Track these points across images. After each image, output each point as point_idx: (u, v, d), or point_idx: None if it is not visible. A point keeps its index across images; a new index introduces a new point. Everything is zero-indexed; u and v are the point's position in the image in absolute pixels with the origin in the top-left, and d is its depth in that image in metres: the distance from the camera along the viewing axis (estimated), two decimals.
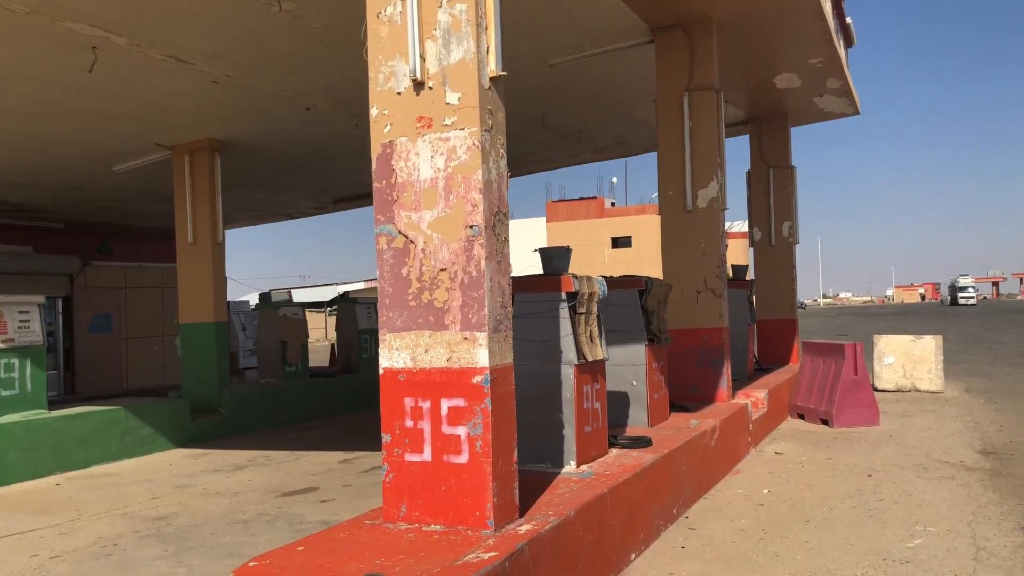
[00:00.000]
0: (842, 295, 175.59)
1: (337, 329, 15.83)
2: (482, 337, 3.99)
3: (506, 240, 4.22)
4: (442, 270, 4.07)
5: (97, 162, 12.38)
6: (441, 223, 4.07)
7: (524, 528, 4.05)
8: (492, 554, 3.64)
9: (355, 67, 8.84)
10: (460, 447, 4.04)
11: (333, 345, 17.32)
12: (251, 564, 3.65)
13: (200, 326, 11.68)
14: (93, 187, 14.33)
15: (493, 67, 4.08)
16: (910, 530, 5.58)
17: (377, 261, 4.25)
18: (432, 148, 4.09)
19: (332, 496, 7.46)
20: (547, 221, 59.31)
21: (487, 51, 4.07)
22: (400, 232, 4.17)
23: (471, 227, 4.01)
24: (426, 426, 4.11)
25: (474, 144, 4.01)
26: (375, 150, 4.24)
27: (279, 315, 13.32)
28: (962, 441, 8.76)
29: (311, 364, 14.75)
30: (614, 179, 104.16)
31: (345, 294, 18.91)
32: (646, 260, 50.69)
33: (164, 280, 19.62)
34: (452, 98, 4.04)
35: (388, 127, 4.20)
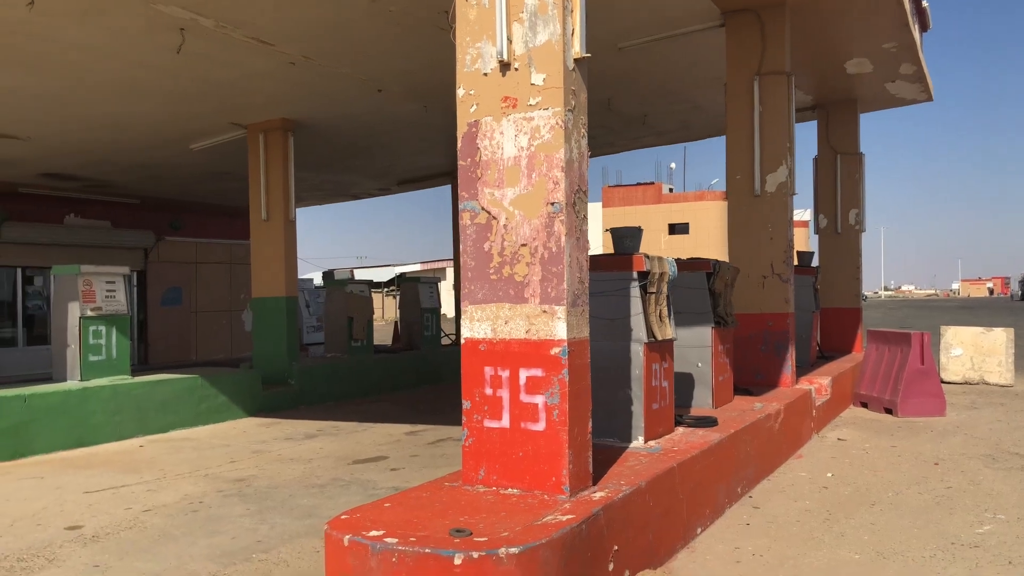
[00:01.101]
0: (904, 287, 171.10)
1: (400, 308, 16.17)
2: (560, 311, 4.14)
3: (585, 217, 4.36)
4: (523, 245, 4.23)
5: (174, 140, 12.84)
6: (523, 200, 4.23)
7: (598, 495, 4.20)
8: (569, 516, 3.81)
9: (428, 51, 9.07)
10: (537, 415, 4.21)
11: (396, 323, 17.69)
12: (343, 517, 3.88)
13: (271, 300, 12.08)
14: (169, 165, 14.87)
15: (577, 49, 4.21)
16: (979, 517, 5.58)
17: (460, 236, 4.42)
18: (516, 127, 4.24)
19: (401, 465, 7.73)
20: (603, 206, 59.08)
21: (572, 33, 4.20)
22: (483, 208, 4.33)
23: (552, 204, 4.15)
24: (505, 394, 4.29)
25: (557, 124, 4.15)
26: (460, 129, 4.41)
27: (346, 292, 13.68)
28: None
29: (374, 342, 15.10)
30: (672, 164, 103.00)
31: (402, 275, 19.27)
32: (703, 247, 50.22)
33: (232, 256, 20.26)
34: (537, 79, 4.18)
35: (474, 107, 4.36)
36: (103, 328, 9.64)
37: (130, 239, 18.33)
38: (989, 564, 4.65)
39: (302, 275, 18.36)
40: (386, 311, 48.95)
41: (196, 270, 19.81)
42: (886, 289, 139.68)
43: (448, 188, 17.51)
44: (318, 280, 21.34)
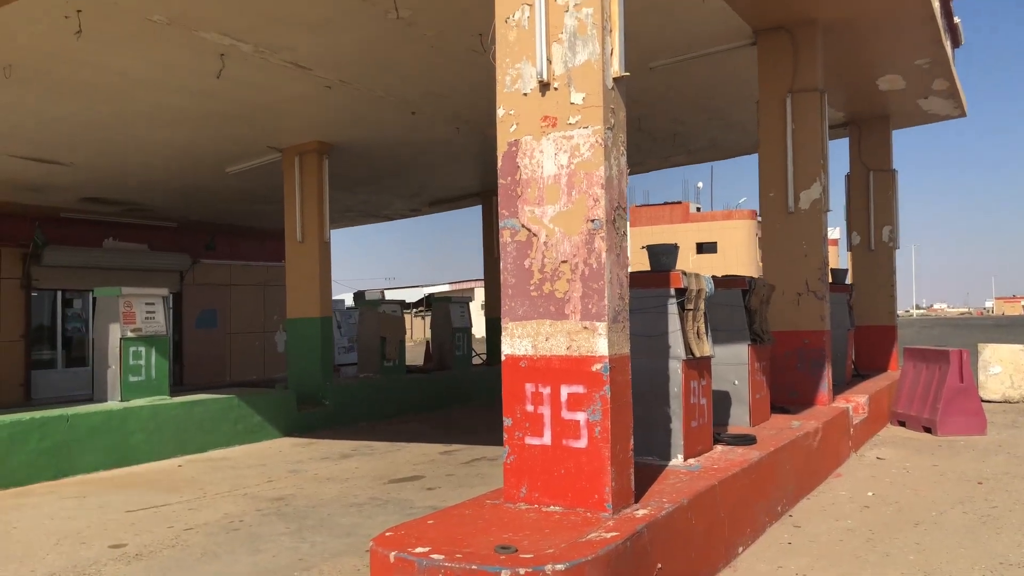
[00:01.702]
0: (936, 306, 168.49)
1: (432, 327, 16.25)
2: (601, 327, 4.16)
3: (624, 234, 4.39)
4: (563, 262, 4.26)
5: (211, 164, 13.08)
6: (563, 217, 4.27)
7: (641, 512, 4.20)
8: (613, 534, 3.81)
9: (462, 74, 9.20)
10: (579, 432, 4.22)
11: (428, 343, 17.78)
12: (387, 534, 3.91)
13: (306, 321, 12.21)
14: (205, 188, 15.14)
15: (616, 68, 4.26)
16: None
17: (500, 253, 4.47)
18: (556, 146, 4.29)
19: (437, 484, 7.75)
20: (630, 226, 58.99)
21: (611, 53, 4.25)
22: (523, 226, 4.38)
23: (592, 221, 4.19)
24: (546, 411, 4.31)
25: (597, 142, 4.19)
26: (501, 148, 4.46)
27: (379, 312, 13.80)
28: None
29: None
30: (699, 184, 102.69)
31: (432, 295, 19.40)
32: (731, 266, 49.93)
33: (266, 278, 20.51)
34: (577, 98, 4.23)
35: (514, 127, 4.42)
36: (143, 349, 9.80)
37: (166, 262, 18.64)
38: None
39: (333, 296, 18.57)
40: (415, 332, 49.14)
41: (230, 292, 20.07)
42: (918, 308, 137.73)
43: (479, 209, 17.61)
44: (349, 301, 21.50)
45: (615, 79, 4.29)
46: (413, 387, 14.01)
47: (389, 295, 23.81)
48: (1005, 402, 12.67)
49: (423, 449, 9.87)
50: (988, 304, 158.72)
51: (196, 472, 8.80)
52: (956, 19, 11.27)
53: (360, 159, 13.23)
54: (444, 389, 14.62)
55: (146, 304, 9.96)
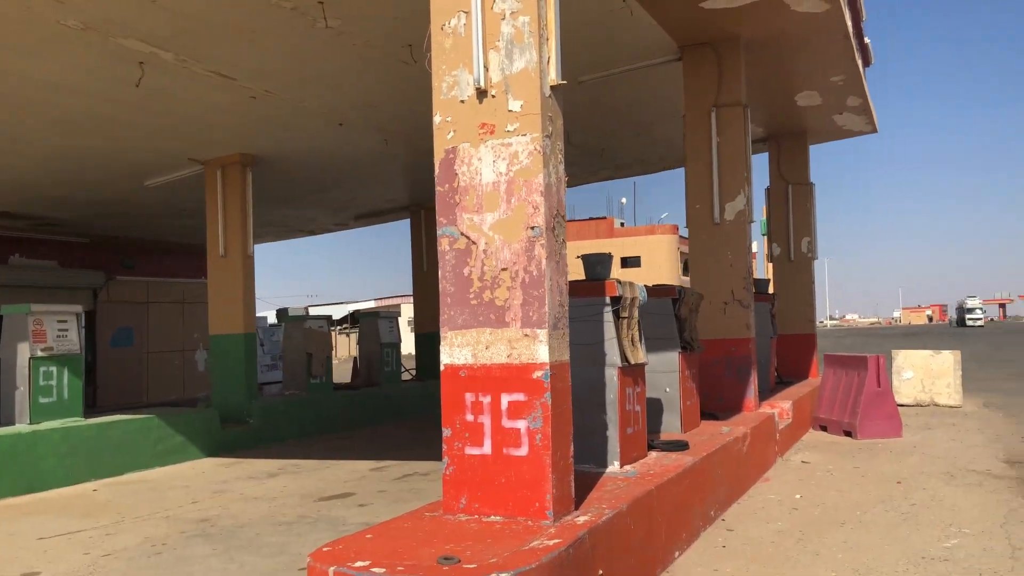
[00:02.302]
0: (848, 316, 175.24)
1: (359, 343, 15.99)
2: (542, 334, 4.16)
3: (564, 241, 4.40)
4: (503, 269, 4.25)
5: (129, 177, 12.63)
6: (502, 225, 4.26)
7: (582, 519, 4.19)
8: (556, 541, 3.79)
9: (391, 84, 9.12)
10: (520, 440, 4.19)
11: (355, 359, 17.49)
12: (325, 549, 3.80)
13: (230, 337, 11.87)
14: (122, 202, 14.59)
15: (554, 76, 4.29)
16: (945, 532, 5.70)
17: (439, 262, 4.43)
18: (494, 153, 4.28)
19: (370, 501, 7.60)
20: None
21: (548, 61, 4.28)
22: (462, 233, 4.35)
23: (532, 228, 4.19)
24: (486, 420, 4.27)
25: (536, 149, 4.20)
26: (438, 155, 4.43)
27: (304, 328, 13.51)
28: (986, 452, 8.86)
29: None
30: (623, 199, 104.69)
31: (357, 311, 19.12)
32: (654, 280, 50.43)
33: (186, 295, 19.87)
34: (514, 105, 4.24)
35: (451, 133, 4.39)
36: (54, 369, 9.34)
37: (78, 279, 17.87)
38: None
39: (256, 313, 18.09)
40: (340, 349, 48.36)
41: (148, 309, 19.37)
42: (831, 318, 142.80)
43: (407, 223, 17.49)
44: (272, 318, 21.02)
45: (552, 87, 4.31)
46: (341, 404, 13.75)
47: (313, 311, 23.37)
48: (917, 405, 13.22)
49: (353, 466, 9.68)
50: (896, 314, 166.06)
51: (113, 496, 8.42)
52: (866, 39, 11.79)
53: (286, 172, 12.97)
54: (373, 405, 14.39)
55: (58, 322, 9.50)
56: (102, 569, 5.65)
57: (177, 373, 19.67)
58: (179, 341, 19.76)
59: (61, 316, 9.66)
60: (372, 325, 15.49)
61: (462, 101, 4.35)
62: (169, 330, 19.63)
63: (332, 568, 3.54)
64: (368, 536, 4.03)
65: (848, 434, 10.26)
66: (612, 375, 5.62)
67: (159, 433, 10.27)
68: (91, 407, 16.49)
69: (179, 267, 19.84)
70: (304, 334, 13.47)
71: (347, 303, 60.61)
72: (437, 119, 4.42)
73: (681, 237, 56.29)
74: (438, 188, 4.42)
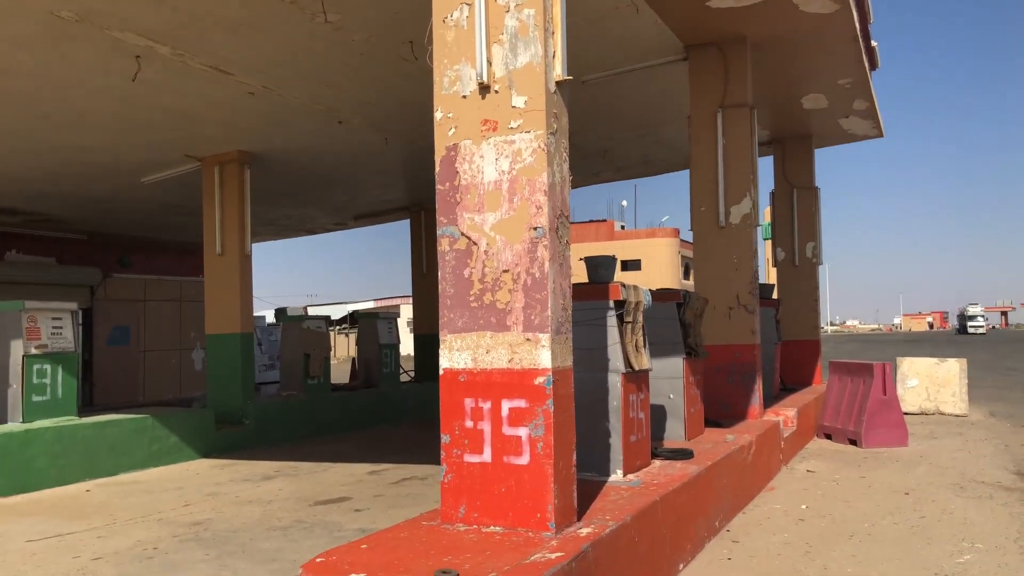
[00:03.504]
0: (849, 322, 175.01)
1: (358, 344, 15.83)
2: (544, 338, 4.01)
3: (568, 243, 4.26)
4: (505, 271, 4.10)
5: (126, 173, 12.48)
6: (504, 225, 4.10)
7: (585, 531, 4.04)
8: (558, 554, 3.63)
9: (390, 82, 8.98)
10: (521, 448, 4.04)
11: (354, 360, 17.34)
12: (318, 560, 3.65)
13: (227, 337, 11.71)
14: (118, 199, 14.45)
15: (559, 71, 4.14)
16: (957, 546, 5.54)
17: (439, 262, 4.28)
18: (497, 151, 4.13)
19: (366, 506, 7.44)
20: None
21: (553, 56, 4.13)
22: (463, 234, 4.20)
23: (535, 229, 4.04)
24: (486, 427, 4.12)
25: (540, 147, 4.05)
26: (439, 153, 4.28)
27: (302, 328, 13.35)
28: (995, 463, 8.70)
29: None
30: (624, 202, 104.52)
31: (356, 312, 18.95)
32: (654, 283, 50.50)
33: (183, 293, 19.72)
34: (518, 101, 4.09)
35: (452, 130, 4.24)
36: (48, 367, 9.18)
37: (75, 276, 17.71)
38: None
39: (254, 312, 17.95)
40: (339, 349, 48.21)
41: (145, 308, 19.21)
42: (832, 324, 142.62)
43: (407, 223, 17.33)
44: (270, 318, 20.86)
45: (558, 83, 4.16)
46: (339, 405, 13.58)
47: (312, 311, 23.22)
48: (922, 414, 13.05)
49: (350, 469, 9.52)
50: (896, 320, 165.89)
51: (106, 497, 8.26)
52: (873, 43, 11.64)
53: (284, 170, 12.82)
54: (371, 407, 14.23)
55: (52, 319, 9.35)
56: (91, 574, 5.50)
57: (173, 372, 19.51)
58: (176, 340, 19.59)
59: (56, 313, 9.50)
60: (371, 326, 15.33)
61: (464, 96, 4.20)
62: (166, 329, 19.46)
63: None
64: (363, 546, 3.88)
65: (853, 442, 10.10)
66: (615, 381, 5.46)
67: (154, 433, 10.11)
68: (87, 406, 16.34)
69: (176, 265, 19.69)
70: (302, 334, 13.31)
71: (346, 303, 60.46)
72: (438, 115, 4.27)
73: (682, 240, 56.16)
74: (438, 186, 4.26)
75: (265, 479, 9.08)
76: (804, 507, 6.82)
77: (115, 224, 17.15)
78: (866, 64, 10.66)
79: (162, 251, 19.58)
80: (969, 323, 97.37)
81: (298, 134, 10.96)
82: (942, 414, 12.99)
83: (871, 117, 12.28)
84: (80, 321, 16.35)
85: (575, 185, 15.98)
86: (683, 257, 56.17)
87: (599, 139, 12.41)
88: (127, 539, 6.40)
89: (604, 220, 60.29)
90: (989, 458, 8.98)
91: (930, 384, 13.20)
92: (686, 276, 55.42)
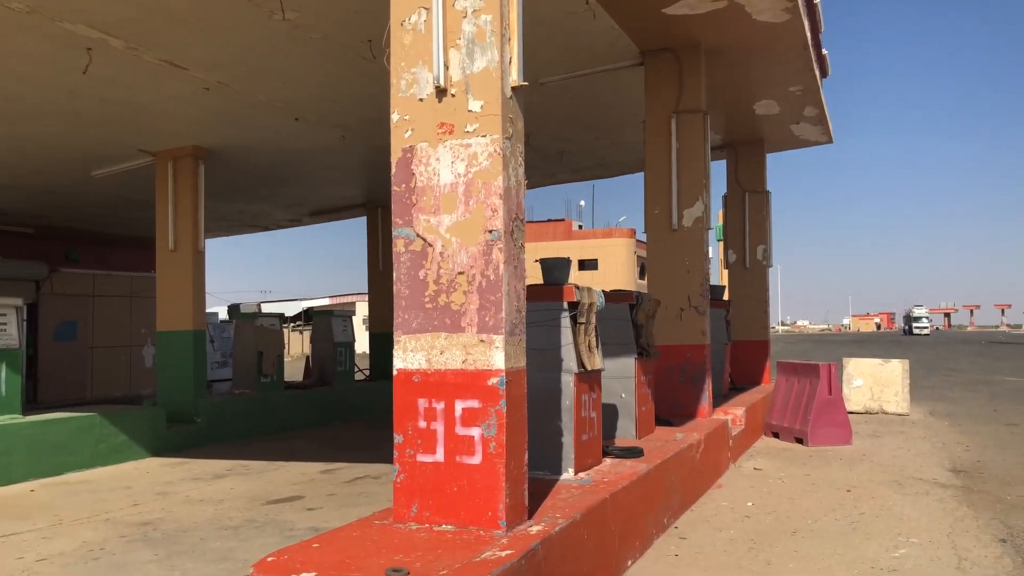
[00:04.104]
0: (800, 322, 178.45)
1: (312, 342, 15.74)
2: (499, 340, 4.07)
3: (522, 246, 4.32)
4: (460, 273, 4.15)
5: (76, 166, 12.25)
6: (460, 227, 4.16)
7: (535, 529, 4.11)
8: (508, 552, 3.70)
9: (348, 80, 8.96)
10: (474, 448, 4.10)
11: (308, 358, 17.21)
12: (269, 559, 3.66)
13: (178, 334, 11.57)
14: (67, 192, 14.17)
15: (515, 77, 4.20)
16: (893, 541, 5.75)
17: (394, 263, 4.31)
18: (453, 154, 4.19)
19: (319, 504, 7.44)
20: None
21: (510, 61, 4.19)
22: (418, 235, 4.24)
23: (491, 232, 4.10)
24: (439, 427, 4.17)
25: (495, 151, 4.11)
26: (395, 155, 4.32)
27: (256, 325, 13.23)
28: (932, 460, 9.01)
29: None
30: (582, 202, 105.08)
31: (311, 309, 18.82)
32: (611, 283, 51.08)
33: (133, 289, 19.35)
34: (475, 106, 4.14)
35: (409, 132, 4.28)
36: None
37: (20, 270, 17.21)
38: None
39: (207, 309, 17.73)
40: (293, 347, 47.71)
41: (93, 303, 18.80)
42: (783, 324, 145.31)
43: (363, 220, 17.26)
44: (223, 315, 20.61)
45: (514, 88, 4.23)
46: (292, 403, 13.50)
47: (266, 308, 22.98)
48: (866, 413, 13.43)
49: (303, 468, 9.48)
50: (845, 321, 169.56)
51: (51, 497, 8.12)
52: (824, 51, 11.93)
53: (239, 166, 12.70)
54: (325, 405, 14.16)
55: None
56: (36, 575, 5.41)
57: (123, 369, 19.13)
58: (126, 336, 19.21)
59: (0, 309, 9.29)
60: (326, 323, 15.25)
61: (421, 99, 4.25)
62: (115, 325, 19.07)
63: None
64: (315, 545, 3.90)
65: (799, 441, 10.36)
66: (568, 381, 5.55)
67: (102, 432, 9.94)
68: (31, 403, 15.98)
69: (127, 260, 19.32)
70: (255, 332, 13.19)
71: (301, 300, 59.82)
72: (395, 117, 4.31)
73: (638, 241, 56.72)
74: (394, 188, 4.30)
75: (216, 478, 9.00)
76: (750, 504, 7.00)
77: (63, 218, 16.79)
78: (817, 72, 10.92)
79: (112, 246, 19.20)
80: (914, 324, 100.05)
81: (254, 130, 10.87)
82: (885, 413, 13.37)
83: (821, 123, 12.58)
84: (25, 316, 15.95)
85: (533, 185, 16.09)
86: (639, 257, 56.73)
87: (556, 141, 12.52)
88: (73, 540, 6.31)
89: (562, 220, 60.61)
90: (927, 456, 9.29)
91: (874, 384, 13.58)
92: (642, 276, 55.95)
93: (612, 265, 55.91)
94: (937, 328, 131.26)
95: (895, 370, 13.47)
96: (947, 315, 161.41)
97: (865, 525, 6.22)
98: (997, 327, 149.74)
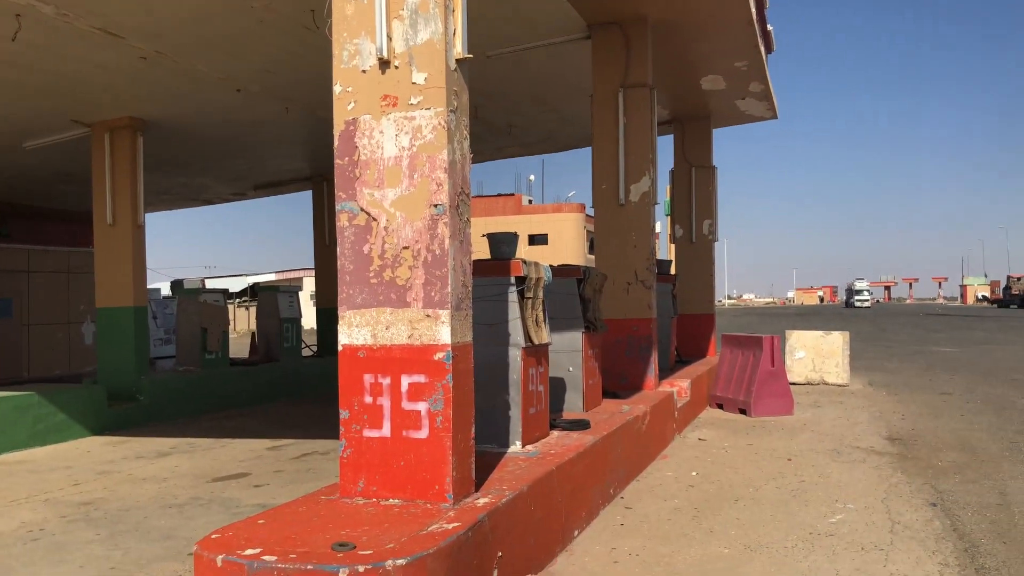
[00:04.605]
0: (745, 296, 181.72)
1: (258, 318, 15.51)
2: (444, 315, 4.06)
3: (468, 220, 4.31)
4: (405, 248, 4.12)
5: (6, 138, 11.80)
6: (404, 201, 4.13)
7: (482, 501, 4.14)
8: (455, 524, 3.73)
9: (291, 50, 8.78)
10: (420, 423, 4.10)
11: (254, 334, 16.98)
12: (214, 536, 3.63)
13: (119, 310, 11.29)
14: None
15: (459, 49, 4.16)
16: (831, 507, 5.93)
17: (338, 238, 4.26)
18: (397, 127, 4.14)
19: (265, 481, 7.38)
20: None
21: (454, 33, 4.15)
22: (362, 209, 4.20)
23: (435, 206, 4.07)
24: (386, 402, 4.16)
25: (440, 124, 4.08)
26: (337, 127, 4.25)
27: (199, 301, 12.99)
28: (870, 429, 9.30)
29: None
30: (531, 176, 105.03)
31: (257, 284, 18.56)
32: (561, 257, 51.31)
33: (71, 265, 18.81)
34: (419, 78, 4.10)
35: (352, 104, 4.22)
36: None
37: None
38: (844, 551, 4.94)
39: (148, 285, 17.36)
40: (239, 323, 46.99)
41: (28, 279, 18.23)
42: (729, 297, 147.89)
43: (309, 194, 17.00)
44: (166, 290, 20.18)
45: (458, 60, 4.19)
46: (237, 380, 13.32)
47: (211, 284, 22.55)
48: (808, 384, 13.78)
49: (249, 445, 9.38)
50: (790, 294, 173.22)
51: None
52: (769, 27, 12.06)
53: (179, 138, 12.37)
54: (271, 382, 14.00)
55: None
56: None
57: (61, 347, 18.64)
58: (64, 313, 18.69)
59: None
60: (271, 299, 15.04)
61: (364, 71, 4.18)
62: (52, 301, 18.53)
63: (220, 556, 3.38)
64: (260, 521, 3.88)
65: (743, 412, 10.59)
66: (516, 355, 5.58)
67: (39, 411, 9.68)
68: None
69: (63, 235, 18.74)
70: (199, 308, 12.96)
71: (247, 275, 58.86)
72: (337, 89, 4.24)
73: (588, 216, 57.00)
74: (337, 161, 4.24)
75: (160, 456, 8.86)
76: (694, 474, 7.15)
77: None
78: (762, 48, 11.04)
79: (47, 220, 18.59)
80: (856, 297, 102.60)
81: (194, 101, 10.59)
82: (826, 384, 13.73)
83: (766, 99, 12.75)
84: None
85: (480, 159, 16.02)
86: (588, 232, 57.05)
87: (504, 114, 12.47)
88: (11, 521, 6.16)
89: (512, 194, 60.51)
90: (865, 425, 9.59)
91: (816, 356, 13.92)
92: (591, 251, 56.29)
93: (562, 240, 56.15)
94: (878, 301, 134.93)
95: (836, 342, 13.83)
96: (887, 288, 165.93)
97: (804, 492, 6.40)
98: (934, 299, 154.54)
